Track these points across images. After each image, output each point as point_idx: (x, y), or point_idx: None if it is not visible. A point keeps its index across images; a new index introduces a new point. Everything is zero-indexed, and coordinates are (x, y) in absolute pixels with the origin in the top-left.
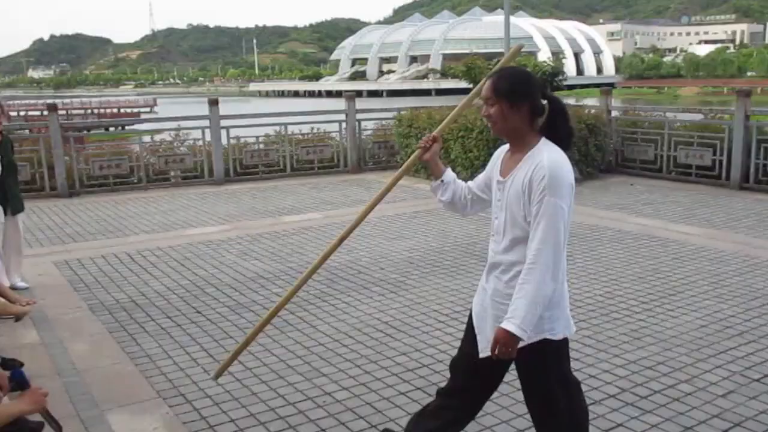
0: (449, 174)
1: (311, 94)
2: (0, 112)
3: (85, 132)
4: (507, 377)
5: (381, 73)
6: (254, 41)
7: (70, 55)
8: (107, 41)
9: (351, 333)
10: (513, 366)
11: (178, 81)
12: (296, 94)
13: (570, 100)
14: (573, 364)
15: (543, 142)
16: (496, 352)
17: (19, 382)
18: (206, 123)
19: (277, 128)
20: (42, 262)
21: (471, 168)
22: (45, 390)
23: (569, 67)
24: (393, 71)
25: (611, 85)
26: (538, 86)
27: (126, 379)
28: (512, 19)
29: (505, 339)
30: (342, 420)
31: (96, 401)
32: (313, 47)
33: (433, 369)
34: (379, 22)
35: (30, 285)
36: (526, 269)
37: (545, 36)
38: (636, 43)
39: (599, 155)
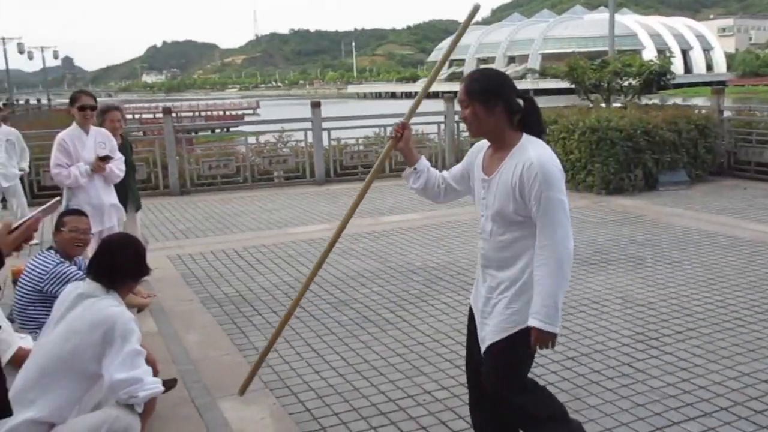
0: (423, 162)
1: (408, 95)
2: (120, 116)
3: (193, 133)
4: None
5: None
6: (353, 44)
7: (180, 60)
8: (214, 47)
9: (450, 333)
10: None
11: (279, 84)
12: (393, 95)
13: (677, 100)
14: (682, 374)
15: (526, 139)
16: (537, 348)
17: None
18: (309, 125)
19: (377, 130)
20: (157, 257)
21: (572, 170)
22: None
23: (676, 65)
24: None
25: (722, 83)
26: (511, 85)
27: (235, 370)
28: (616, 16)
29: (538, 336)
30: (442, 419)
31: (208, 389)
32: (411, 49)
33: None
34: (476, 23)
35: (147, 278)
36: (539, 265)
37: (651, 33)
38: (751, 39)
39: (709, 157)
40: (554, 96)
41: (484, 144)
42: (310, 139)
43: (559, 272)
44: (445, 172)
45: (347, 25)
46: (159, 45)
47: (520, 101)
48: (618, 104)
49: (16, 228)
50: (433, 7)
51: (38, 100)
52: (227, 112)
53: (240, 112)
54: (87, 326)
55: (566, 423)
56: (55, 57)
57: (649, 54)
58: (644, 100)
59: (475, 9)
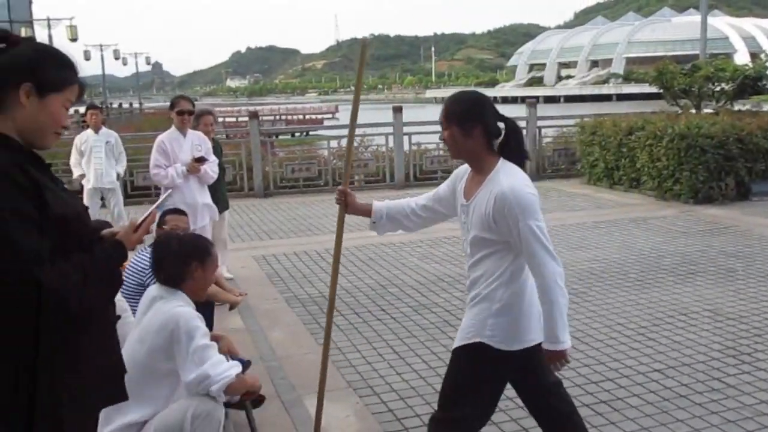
0: (378, 211)
1: None
2: (213, 120)
3: (274, 137)
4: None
5: (559, 78)
6: (432, 49)
7: (263, 65)
8: (296, 52)
9: None
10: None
11: None
12: None
13: None
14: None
15: (501, 165)
16: (552, 368)
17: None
18: (390, 129)
19: None
20: (243, 256)
21: (659, 177)
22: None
23: None
24: (571, 76)
25: None
26: (491, 109)
27: (319, 368)
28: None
29: (547, 355)
30: (524, 425)
31: (293, 386)
32: (490, 53)
33: (618, 383)
34: (558, 27)
35: (233, 276)
36: (538, 290)
37: (743, 36)
38: None
39: None
40: (638, 101)
41: (466, 169)
42: (390, 144)
43: (553, 295)
44: (421, 199)
45: (427, 29)
46: (243, 51)
47: (501, 125)
48: (709, 110)
49: (139, 225)
50: (514, 11)
51: (130, 104)
52: (307, 116)
53: (319, 116)
54: (155, 328)
55: None
56: (147, 63)
57: (742, 57)
58: (737, 106)
59: (364, 45)
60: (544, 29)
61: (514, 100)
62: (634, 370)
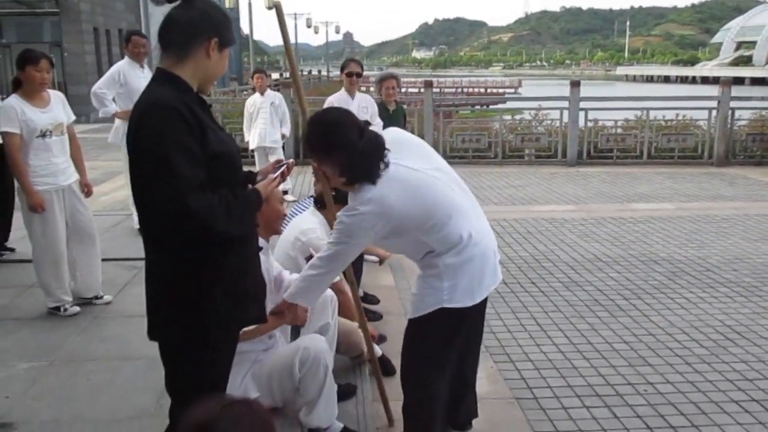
0: None
1: (683, 79)
2: (395, 83)
3: (453, 108)
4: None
5: None
6: (627, 23)
7: (449, 37)
8: (483, 24)
9: (686, 329)
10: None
11: (544, 63)
12: (666, 79)
13: None
14: None
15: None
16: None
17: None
18: (565, 104)
19: (638, 113)
20: None
21: None
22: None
23: None
24: None
25: None
26: None
27: None
28: None
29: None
30: (661, 412)
31: None
32: (693, 29)
33: None
34: None
35: None
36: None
37: None
38: None
39: None
40: None
41: None
42: (565, 119)
43: (306, 285)
44: None
45: (623, 2)
46: (430, 22)
47: None
48: None
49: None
50: None
51: (319, 71)
52: (489, 90)
53: (501, 90)
54: None
55: None
56: (337, 32)
57: None
58: None
59: (277, 6)
60: (758, 3)
61: (715, 80)
62: None
